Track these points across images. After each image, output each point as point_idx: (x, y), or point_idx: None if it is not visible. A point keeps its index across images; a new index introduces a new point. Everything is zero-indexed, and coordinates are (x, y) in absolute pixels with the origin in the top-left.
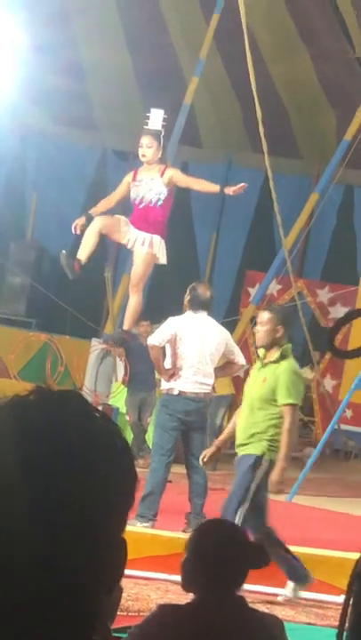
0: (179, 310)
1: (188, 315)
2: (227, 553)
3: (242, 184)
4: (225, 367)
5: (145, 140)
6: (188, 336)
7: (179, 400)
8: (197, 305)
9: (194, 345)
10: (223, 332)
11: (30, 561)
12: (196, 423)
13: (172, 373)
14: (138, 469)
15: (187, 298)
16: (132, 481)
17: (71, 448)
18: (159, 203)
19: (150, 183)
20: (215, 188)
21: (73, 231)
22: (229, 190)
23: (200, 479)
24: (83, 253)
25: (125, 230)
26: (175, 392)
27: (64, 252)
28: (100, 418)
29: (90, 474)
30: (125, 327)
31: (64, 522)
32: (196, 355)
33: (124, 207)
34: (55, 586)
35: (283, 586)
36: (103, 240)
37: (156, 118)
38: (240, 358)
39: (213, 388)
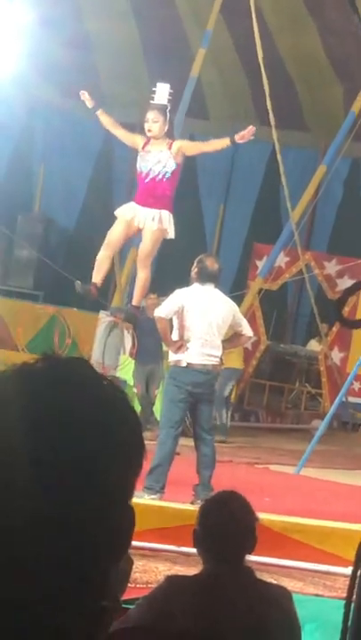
0: (186, 283)
1: (195, 287)
2: (238, 524)
3: (250, 127)
4: (232, 339)
5: (151, 115)
6: (195, 308)
7: (187, 372)
8: (205, 277)
9: (201, 317)
10: (230, 304)
11: (36, 528)
12: (204, 395)
13: (180, 345)
14: (145, 442)
15: (194, 270)
16: (139, 447)
17: (78, 415)
18: (167, 176)
19: (159, 155)
20: (225, 141)
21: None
22: (239, 137)
23: (208, 451)
24: (97, 277)
25: (132, 217)
26: (183, 364)
27: (78, 282)
28: (107, 385)
29: (97, 440)
30: (134, 303)
31: (71, 489)
32: (203, 326)
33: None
34: (62, 551)
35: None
36: (111, 217)
37: (162, 93)
38: (247, 330)
39: (221, 359)
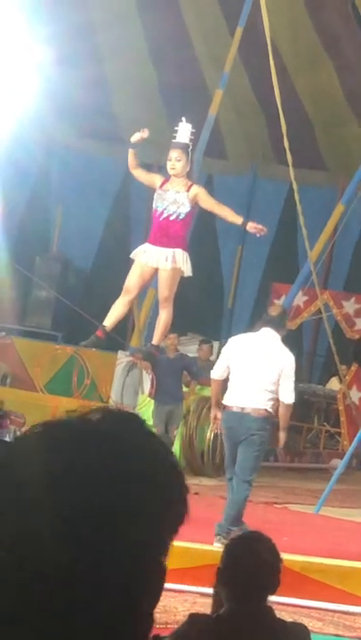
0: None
1: (251, 332)
2: (264, 566)
3: (262, 227)
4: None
5: (174, 154)
6: (241, 352)
7: (226, 414)
8: (261, 322)
9: (244, 360)
10: (286, 355)
11: (66, 581)
12: (239, 438)
13: (214, 416)
14: None
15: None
16: (180, 508)
17: (124, 474)
18: (180, 217)
19: (175, 195)
20: (238, 219)
21: None
22: (251, 227)
23: (232, 495)
24: (109, 321)
25: (146, 260)
26: (226, 407)
27: (93, 336)
28: (157, 443)
29: (138, 501)
30: (155, 342)
31: (105, 548)
32: (245, 369)
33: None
34: (91, 603)
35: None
36: (127, 257)
37: (184, 131)
38: (285, 395)
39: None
